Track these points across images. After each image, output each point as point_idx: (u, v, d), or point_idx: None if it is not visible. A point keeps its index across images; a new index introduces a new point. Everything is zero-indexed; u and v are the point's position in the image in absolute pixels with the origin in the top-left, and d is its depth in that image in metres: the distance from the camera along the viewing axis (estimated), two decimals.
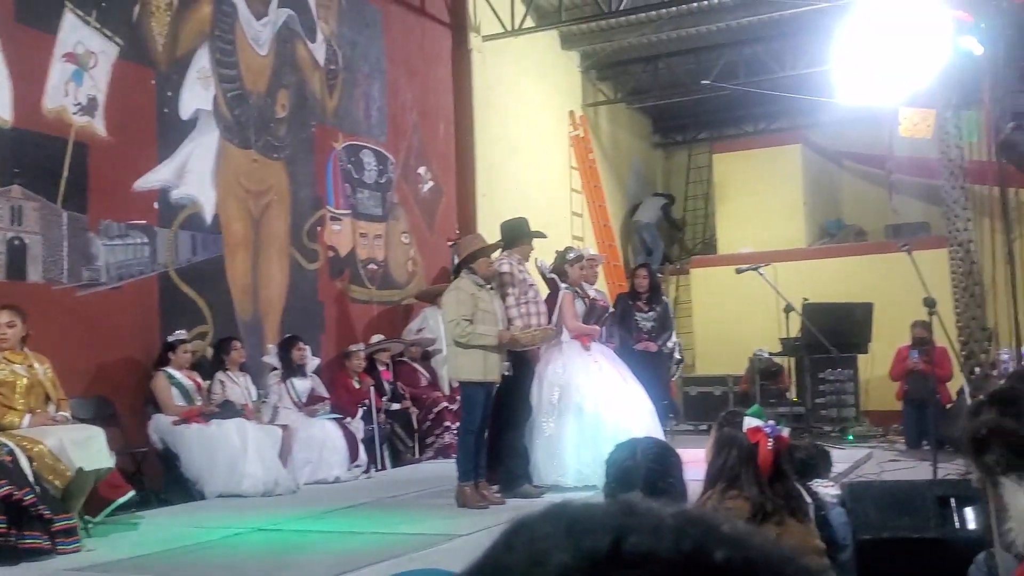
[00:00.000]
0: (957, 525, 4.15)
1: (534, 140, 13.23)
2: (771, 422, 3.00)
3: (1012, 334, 7.56)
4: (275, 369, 8.47)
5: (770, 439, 2.90)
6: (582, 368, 7.29)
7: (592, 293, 7.96)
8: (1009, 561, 1.53)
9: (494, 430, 7.01)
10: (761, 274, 8.80)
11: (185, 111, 8.39)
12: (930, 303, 6.54)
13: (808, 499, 3.39)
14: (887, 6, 8.00)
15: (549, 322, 7.23)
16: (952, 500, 4.21)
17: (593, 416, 7.07)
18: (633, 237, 15.97)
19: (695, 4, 12.56)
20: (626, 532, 0.53)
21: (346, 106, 10.18)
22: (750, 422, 2.97)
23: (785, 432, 3.01)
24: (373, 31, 10.64)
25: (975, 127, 7.84)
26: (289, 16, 9.56)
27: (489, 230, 10.18)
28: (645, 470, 2.79)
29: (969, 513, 4.10)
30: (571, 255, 7.68)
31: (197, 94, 8.50)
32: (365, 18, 10.55)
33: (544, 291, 7.64)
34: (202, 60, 8.58)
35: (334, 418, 8.40)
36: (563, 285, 7.50)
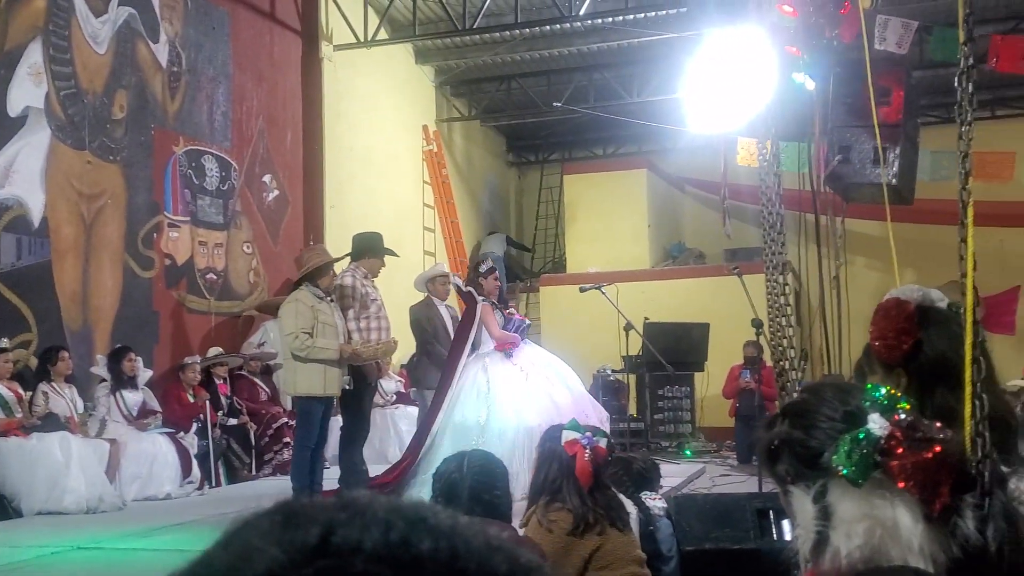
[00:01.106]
0: (775, 536, 4.32)
1: (386, 153, 13.14)
2: (588, 434, 3.04)
3: (824, 356, 7.91)
4: (104, 380, 8.12)
5: (587, 451, 2.95)
6: (507, 381, 7.08)
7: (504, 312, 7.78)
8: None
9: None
10: (603, 293, 8.96)
11: (13, 108, 7.97)
12: (757, 324, 6.80)
13: (635, 511, 3.47)
14: (727, 39, 8.32)
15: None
16: (771, 512, 4.38)
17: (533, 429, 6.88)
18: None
19: (548, 27, 12.79)
20: (336, 525, 0.54)
21: (188, 110, 9.88)
22: (568, 435, 3.02)
23: (602, 443, 3.07)
24: (220, 34, 10.37)
25: (806, 158, 7.99)
26: (130, 15, 9.22)
27: (337, 242, 10.06)
28: (471, 482, 2.79)
29: (786, 525, 4.26)
30: (483, 268, 7.66)
31: (27, 91, 8.09)
32: (212, 20, 10.27)
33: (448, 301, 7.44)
34: (34, 55, 8.18)
35: (166, 432, 8.12)
36: (480, 297, 7.44)
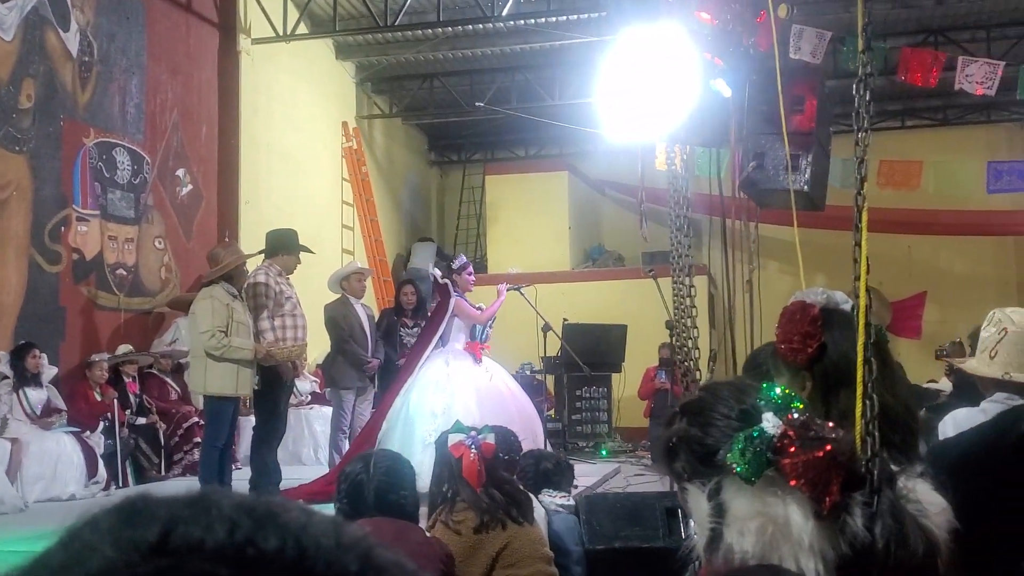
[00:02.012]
0: (683, 535, 4.36)
1: (304, 149, 12.95)
2: (473, 432, 3.05)
3: (732, 358, 8.04)
4: (6, 378, 7.86)
5: (473, 450, 2.95)
6: (470, 377, 7.18)
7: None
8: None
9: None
10: (523, 294, 8.95)
11: None
12: (671, 325, 6.86)
13: (541, 508, 3.47)
14: (645, 45, 8.39)
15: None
16: (679, 511, 4.42)
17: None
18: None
19: (470, 27, 12.78)
20: (178, 523, 0.52)
21: (100, 101, 9.60)
22: (452, 439, 3.02)
23: (490, 439, 3.06)
24: (134, 24, 10.11)
25: (724, 164, 8.07)
26: (39, 1, 8.93)
27: (252, 239, 9.93)
28: (377, 483, 2.76)
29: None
30: (456, 264, 7.74)
31: None
32: (125, 10, 10.01)
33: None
34: None
35: (71, 431, 7.89)
36: (455, 292, 7.51)
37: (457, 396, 6.96)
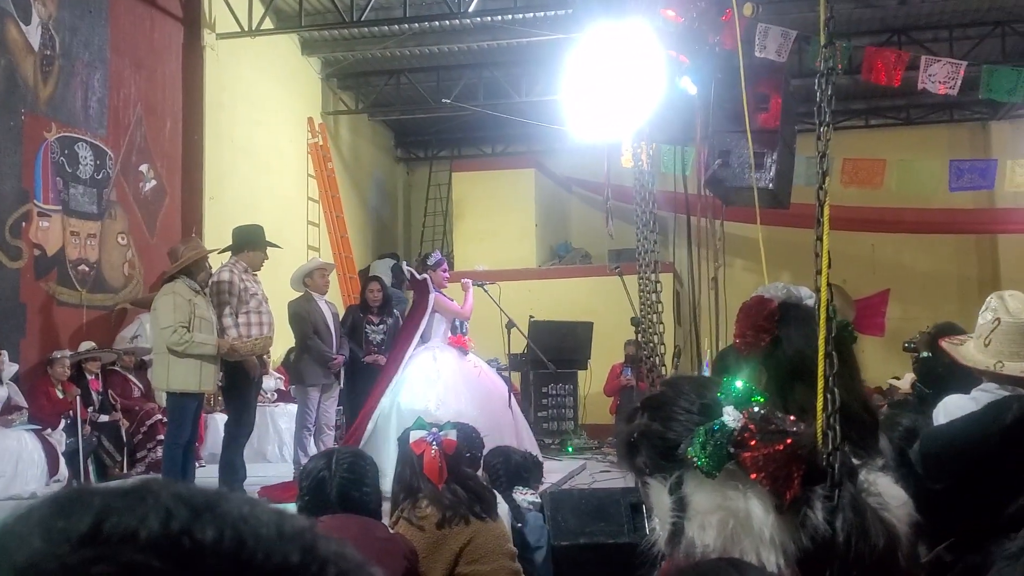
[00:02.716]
0: (648, 530, 4.35)
1: (269, 145, 12.84)
2: (435, 429, 3.07)
3: (692, 354, 8.14)
4: None
5: (434, 447, 2.94)
6: (458, 372, 7.17)
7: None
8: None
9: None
10: (486, 291, 8.83)
11: None
12: (636, 322, 6.88)
13: (505, 507, 3.47)
14: (610, 43, 8.43)
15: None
16: (644, 507, 4.41)
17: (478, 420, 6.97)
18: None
19: (436, 23, 12.73)
20: (110, 513, 0.50)
21: (62, 95, 9.46)
22: (414, 435, 3.04)
23: (452, 435, 3.06)
24: (97, 18, 9.97)
25: (689, 161, 8.13)
26: None
27: (216, 235, 9.81)
28: (339, 480, 2.74)
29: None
30: (431, 260, 7.68)
31: None
32: (88, 4, 9.86)
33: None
34: None
35: (32, 429, 7.76)
36: (433, 288, 7.48)
37: (449, 388, 6.97)
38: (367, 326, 9.05)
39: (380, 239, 16.75)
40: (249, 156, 12.21)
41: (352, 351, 8.63)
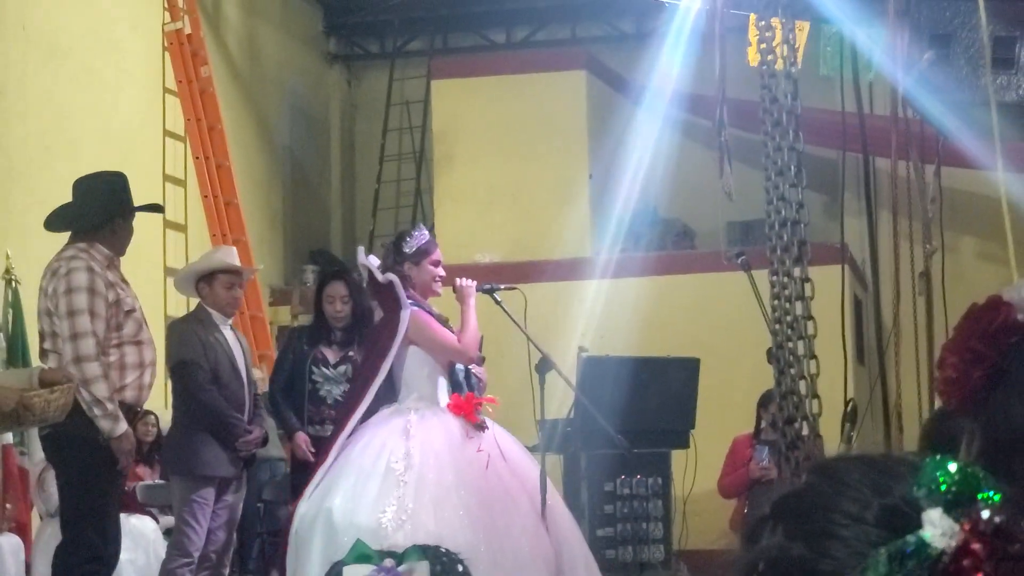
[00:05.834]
0: None
1: (93, 35, 9.21)
2: (389, 563, 3.39)
3: (881, 413, 7.60)
4: None
5: None
6: (454, 459, 5.08)
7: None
8: None
9: None
10: (497, 300, 5.89)
11: None
12: (775, 357, 5.51)
13: None
14: None
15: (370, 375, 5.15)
16: None
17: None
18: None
19: None
20: None
21: None
22: (353, 572, 3.48)
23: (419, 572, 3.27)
24: None
25: (871, 57, 6.43)
26: None
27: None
28: None
29: None
30: (410, 242, 5.34)
31: None
32: None
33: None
34: None
35: None
36: (408, 301, 5.17)
37: (423, 489, 4.89)
38: (317, 368, 6.60)
39: (299, 207, 11.77)
40: (54, 54, 8.77)
41: (286, 420, 6.44)
